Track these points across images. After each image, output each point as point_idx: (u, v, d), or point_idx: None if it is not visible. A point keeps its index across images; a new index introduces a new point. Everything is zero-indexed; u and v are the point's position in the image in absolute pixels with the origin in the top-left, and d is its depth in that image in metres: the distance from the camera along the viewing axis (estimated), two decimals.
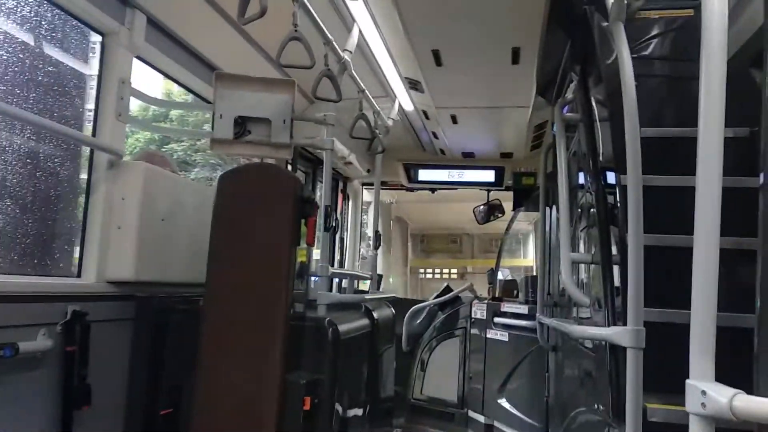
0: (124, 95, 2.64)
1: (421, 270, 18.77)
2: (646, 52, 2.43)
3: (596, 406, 2.23)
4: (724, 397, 0.96)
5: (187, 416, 2.46)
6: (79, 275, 2.53)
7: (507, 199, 6.08)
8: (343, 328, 2.68)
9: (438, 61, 3.58)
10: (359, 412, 3.14)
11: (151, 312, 2.63)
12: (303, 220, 2.64)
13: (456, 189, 6.23)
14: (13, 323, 2.06)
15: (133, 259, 2.57)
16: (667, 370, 1.66)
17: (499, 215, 6.29)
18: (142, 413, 2.58)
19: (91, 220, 2.55)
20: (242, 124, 2.66)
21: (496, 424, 4.88)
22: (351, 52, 2.99)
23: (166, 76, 3.10)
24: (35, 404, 2.19)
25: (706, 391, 0.99)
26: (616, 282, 2.01)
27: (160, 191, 2.73)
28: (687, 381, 1.07)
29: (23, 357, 2.06)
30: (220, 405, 2.42)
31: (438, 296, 5.73)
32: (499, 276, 5.58)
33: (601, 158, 2.33)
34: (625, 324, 1.66)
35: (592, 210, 2.44)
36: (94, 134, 2.60)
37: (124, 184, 2.59)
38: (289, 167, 4.11)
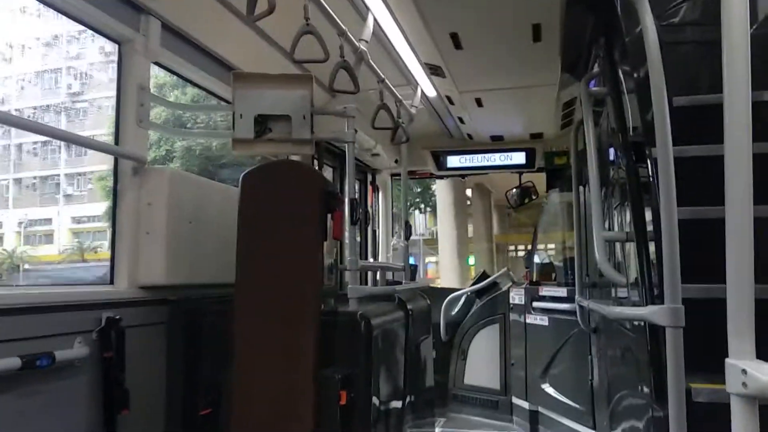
0: (144, 102, 2.66)
1: (511, 247, 16.92)
2: (675, 19, 2.33)
3: (639, 388, 2.16)
4: (765, 375, 0.90)
5: (226, 416, 2.48)
6: (111, 282, 2.57)
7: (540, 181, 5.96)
8: (376, 321, 2.66)
9: (457, 44, 3.51)
10: (398, 404, 3.12)
11: (183, 314, 2.65)
12: (329, 215, 2.62)
13: (487, 174, 6.14)
14: (49, 333, 2.10)
15: (164, 263, 2.60)
16: (711, 347, 1.58)
17: (534, 198, 6.18)
18: (181, 415, 2.61)
19: (119, 227, 2.59)
20: (263, 123, 2.65)
21: (541, 409, 4.80)
22: (367, 41, 2.95)
23: (185, 79, 3.11)
24: (76, 411, 2.23)
25: (747, 370, 0.93)
26: (653, 259, 1.94)
27: (185, 195, 2.75)
28: (726, 360, 1.01)
29: (61, 365, 2.10)
30: (257, 403, 2.43)
31: (474, 283, 5.67)
32: (536, 260, 5.48)
33: (630, 132, 2.25)
34: (662, 302, 1.59)
35: (624, 186, 2.36)
36: (116, 142, 2.63)
37: (150, 190, 2.61)
38: (315, 163, 4.10)
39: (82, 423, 2.25)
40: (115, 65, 2.70)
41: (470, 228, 14.22)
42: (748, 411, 0.95)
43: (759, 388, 0.91)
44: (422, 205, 21.20)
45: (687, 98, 2.04)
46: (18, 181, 29.10)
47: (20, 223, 27.60)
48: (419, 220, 23.42)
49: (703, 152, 1.87)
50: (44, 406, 2.09)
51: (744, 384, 0.94)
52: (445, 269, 12.78)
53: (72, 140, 2.52)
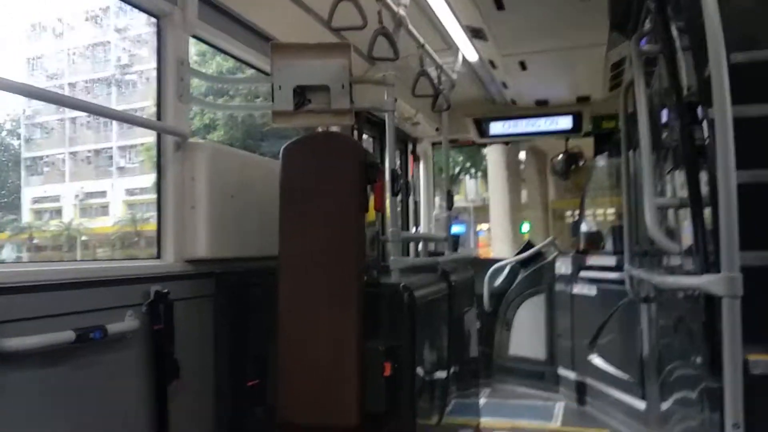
0: (184, 76, 2.66)
1: (568, 213, 16.57)
2: None
3: (693, 359, 2.09)
4: None
5: (273, 387, 2.51)
6: (158, 256, 2.62)
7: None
8: (419, 292, 2.64)
9: (500, 5, 3.39)
10: (443, 374, 3.12)
11: (229, 287, 2.69)
12: (370, 186, 2.59)
13: (531, 140, 6.01)
14: (101, 306, 2.16)
15: (208, 237, 2.63)
16: None
17: (581, 163, 6.02)
18: (229, 385, 2.67)
19: (164, 202, 2.62)
20: (302, 94, 2.62)
21: (588, 380, 4.74)
22: (406, 5, 2.87)
23: (223, 51, 3.11)
24: (129, 381, 2.31)
25: None
26: (708, 225, 1.85)
27: (227, 169, 2.77)
28: None
29: (113, 338, 2.16)
30: (303, 375, 2.46)
31: (518, 253, 5.60)
32: (583, 228, 5.35)
33: (685, 91, 2.13)
34: (718, 271, 1.51)
35: (677, 150, 2.25)
36: (158, 117, 2.66)
37: (192, 165, 2.63)
38: (355, 133, 4.07)
39: (134, 393, 2.33)
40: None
41: (524, 193, 13.71)
42: None
43: None
44: (473, 170, 20.56)
45: (746, 54, 1.91)
46: (73, 154, 29.97)
47: (76, 196, 28.56)
48: (470, 186, 22.89)
49: (765, 112, 1.76)
50: (98, 377, 2.16)
51: None
52: (496, 238, 12.36)
53: (115, 117, 2.56)
